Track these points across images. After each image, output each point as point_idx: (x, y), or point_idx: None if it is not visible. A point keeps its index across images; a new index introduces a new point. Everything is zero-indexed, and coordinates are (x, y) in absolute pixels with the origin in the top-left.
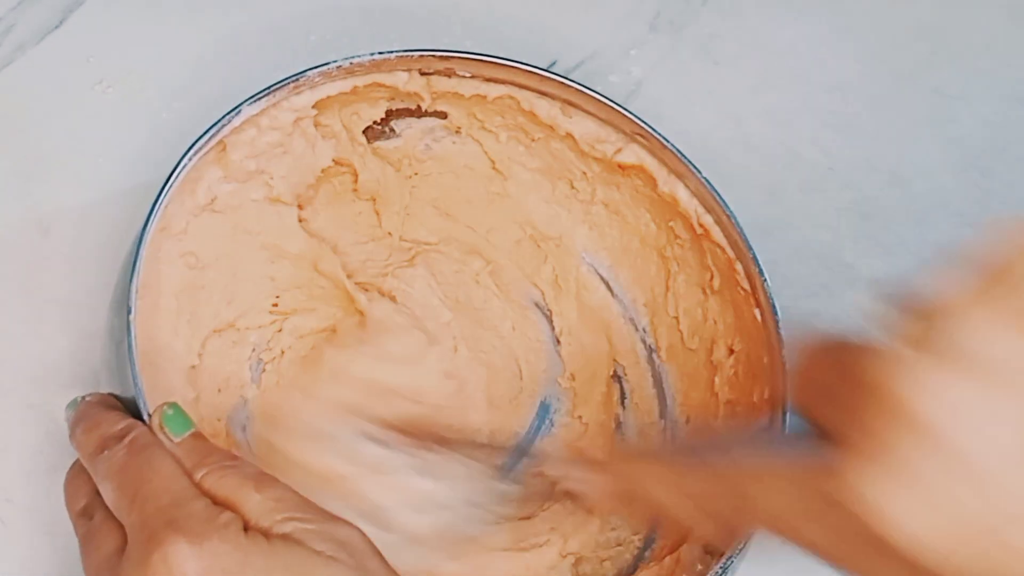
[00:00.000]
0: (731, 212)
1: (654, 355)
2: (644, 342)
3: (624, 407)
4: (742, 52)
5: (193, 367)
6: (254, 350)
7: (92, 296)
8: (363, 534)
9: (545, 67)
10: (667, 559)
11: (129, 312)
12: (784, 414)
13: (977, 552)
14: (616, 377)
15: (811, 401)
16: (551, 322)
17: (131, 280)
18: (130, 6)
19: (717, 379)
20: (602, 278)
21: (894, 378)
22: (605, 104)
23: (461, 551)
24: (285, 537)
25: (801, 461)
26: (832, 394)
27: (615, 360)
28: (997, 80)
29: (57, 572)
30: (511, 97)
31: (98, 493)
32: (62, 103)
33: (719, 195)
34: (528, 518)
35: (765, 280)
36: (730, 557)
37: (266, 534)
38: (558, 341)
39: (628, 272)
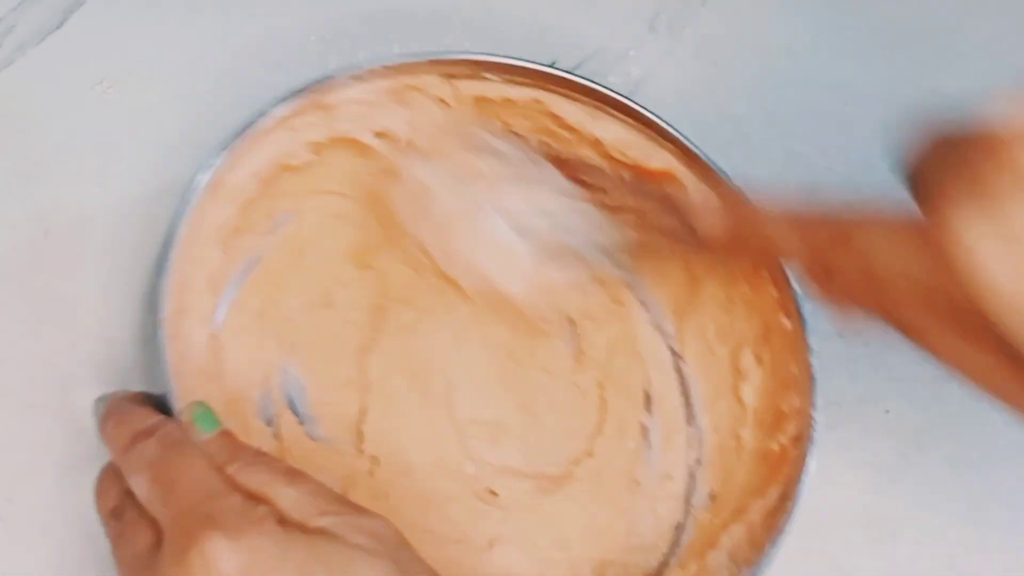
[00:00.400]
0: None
1: (680, 362)
2: (670, 348)
3: (650, 413)
4: (742, 52)
5: (220, 362)
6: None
7: (92, 295)
8: (393, 525)
9: (545, 67)
10: (692, 564)
11: (159, 312)
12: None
13: None
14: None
15: (922, 166)
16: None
17: (161, 279)
18: (130, 6)
19: (744, 386)
20: (627, 284)
21: (1014, 139)
22: (633, 108)
23: (565, 261)
24: (322, 531)
25: (903, 212)
26: (945, 160)
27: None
28: (997, 80)
29: (57, 572)
30: (537, 101)
31: (129, 492)
32: (62, 103)
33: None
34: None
35: (794, 288)
36: (757, 567)
37: (302, 528)
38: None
39: (654, 277)
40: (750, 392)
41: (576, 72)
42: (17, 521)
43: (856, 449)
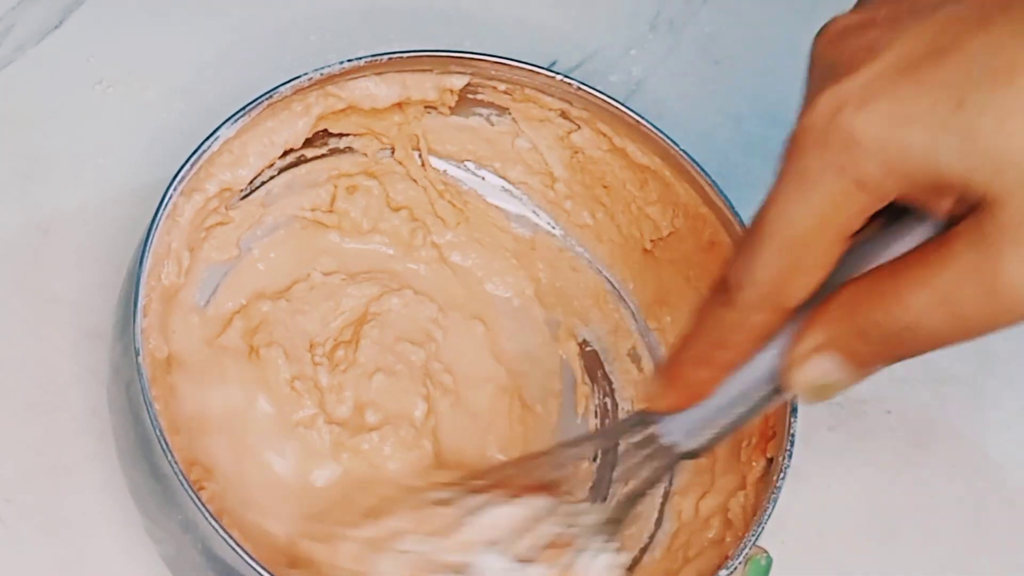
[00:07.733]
0: (736, 211)
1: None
2: (645, 341)
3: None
4: (742, 52)
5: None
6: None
7: (92, 295)
8: None
9: (546, 67)
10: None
11: (137, 354)
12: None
13: None
14: (634, 355)
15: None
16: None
17: (134, 319)
18: (130, 6)
19: None
20: (605, 277)
21: None
22: (607, 103)
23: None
24: None
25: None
26: None
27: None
28: None
29: (57, 572)
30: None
31: None
32: (62, 103)
33: (724, 194)
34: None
35: None
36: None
37: None
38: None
39: (625, 271)
40: None
41: (573, 73)
42: (17, 521)
43: (856, 449)
